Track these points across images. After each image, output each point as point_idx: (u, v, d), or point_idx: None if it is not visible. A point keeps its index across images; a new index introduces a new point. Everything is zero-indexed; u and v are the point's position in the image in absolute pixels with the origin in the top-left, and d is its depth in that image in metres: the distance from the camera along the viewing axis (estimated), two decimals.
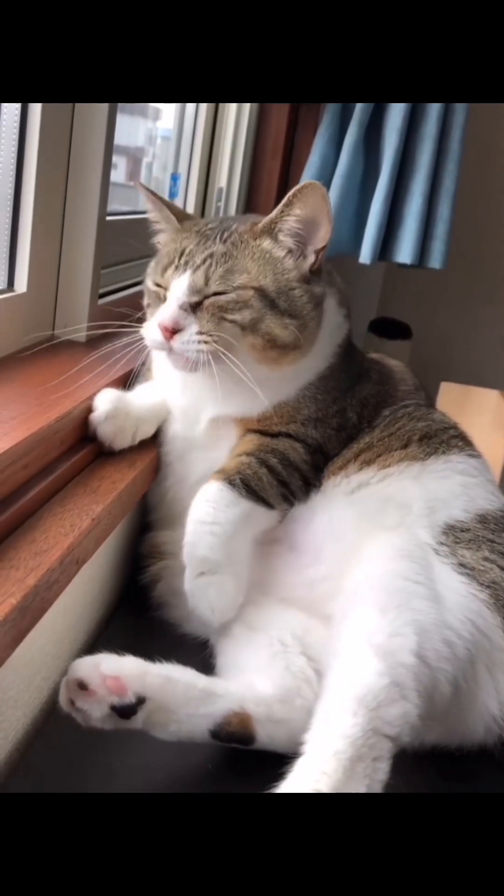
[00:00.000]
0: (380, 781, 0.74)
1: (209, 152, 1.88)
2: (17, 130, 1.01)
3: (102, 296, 1.22)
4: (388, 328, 2.73)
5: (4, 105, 0.99)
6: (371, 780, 0.74)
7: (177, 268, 0.96)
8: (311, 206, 0.95)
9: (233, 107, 1.91)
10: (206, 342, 0.92)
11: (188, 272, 0.95)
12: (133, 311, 1.03)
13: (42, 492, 0.82)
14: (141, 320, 1.01)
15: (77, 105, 1.07)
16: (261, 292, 0.95)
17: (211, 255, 0.95)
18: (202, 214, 1.90)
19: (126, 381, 1.04)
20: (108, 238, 1.15)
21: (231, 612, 0.96)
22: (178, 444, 1.05)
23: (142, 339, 0.97)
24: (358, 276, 2.51)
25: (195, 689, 0.83)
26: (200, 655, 0.98)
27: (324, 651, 0.93)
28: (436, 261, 1.87)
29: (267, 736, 0.86)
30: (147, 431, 1.03)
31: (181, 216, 1.05)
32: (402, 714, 0.78)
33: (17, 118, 1.01)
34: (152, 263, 1.03)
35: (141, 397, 1.03)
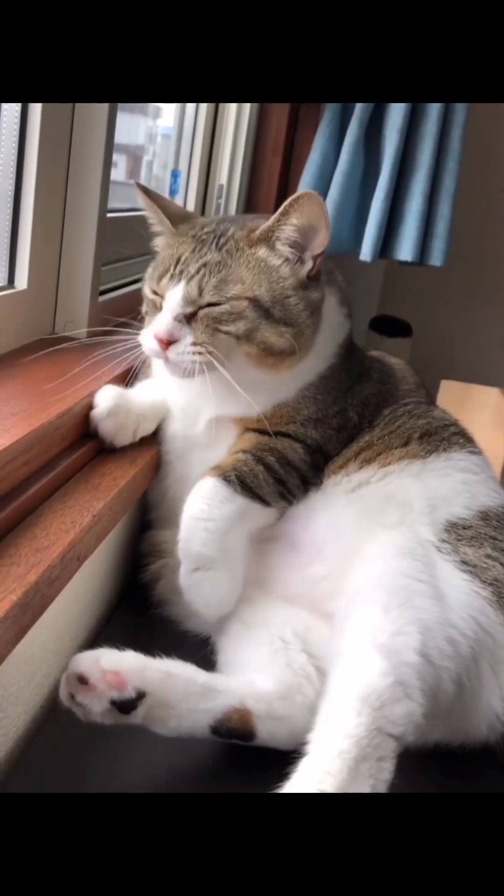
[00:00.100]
0: (384, 781, 0.74)
1: (209, 150, 1.88)
2: (17, 128, 1.01)
3: (103, 293, 1.22)
4: (389, 326, 2.73)
5: (5, 103, 0.99)
6: (376, 779, 0.74)
7: (172, 277, 0.96)
8: (308, 215, 0.94)
9: (233, 105, 1.91)
10: (200, 353, 0.93)
11: (182, 283, 0.95)
12: (133, 309, 1.03)
13: (43, 488, 0.82)
14: (142, 319, 1.01)
15: (77, 104, 1.07)
16: (255, 302, 0.94)
17: (205, 265, 0.95)
18: (202, 212, 1.90)
19: (127, 378, 1.04)
20: (108, 235, 1.15)
21: (226, 607, 0.96)
22: (177, 442, 1.04)
23: (139, 344, 0.97)
24: (358, 274, 2.51)
25: (195, 685, 0.83)
26: (201, 653, 0.98)
27: (325, 649, 0.93)
28: (436, 259, 1.87)
29: (267, 732, 0.86)
30: (148, 428, 1.03)
31: (176, 218, 1.04)
32: (406, 713, 0.78)
33: (18, 116, 1.01)
34: (150, 269, 1.03)
35: (142, 394, 1.03)
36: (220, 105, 1.87)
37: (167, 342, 0.93)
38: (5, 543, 0.73)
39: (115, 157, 1.15)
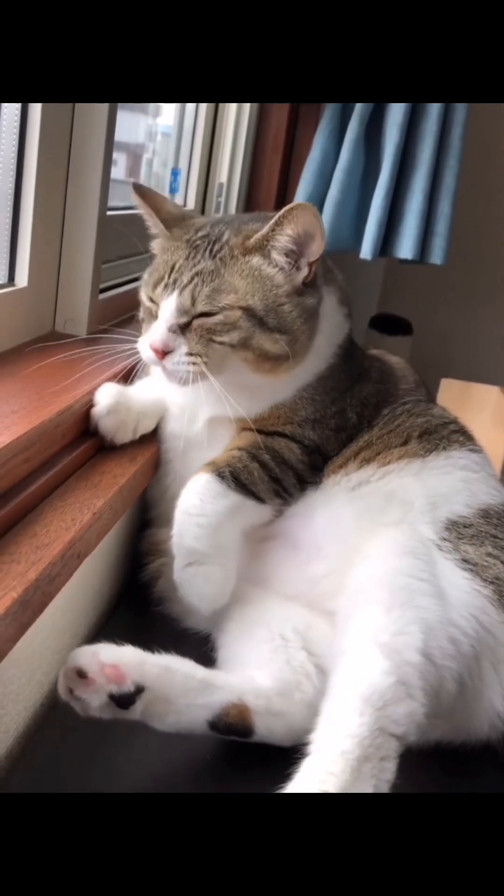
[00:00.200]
0: (387, 781, 0.74)
1: (210, 148, 1.88)
2: (17, 126, 1.01)
3: (103, 291, 1.22)
4: (389, 324, 2.72)
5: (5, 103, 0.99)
6: (378, 779, 0.74)
7: (166, 286, 0.96)
8: (303, 224, 0.94)
9: (233, 103, 1.91)
10: (194, 364, 0.93)
11: (176, 292, 0.94)
12: (133, 307, 1.03)
13: (43, 486, 0.82)
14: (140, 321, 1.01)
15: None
16: (249, 312, 0.94)
17: (198, 273, 0.94)
18: (202, 210, 1.90)
19: (127, 376, 1.04)
20: (108, 233, 1.15)
21: (219, 601, 0.96)
22: (176, 442, 1.04)
23: (137, 351, 0.97)
24: (359, 272, 2.51)
25: (194, 680, 0.84)
26: (201, 650, 0.98)
27: (325, 647, 0.93)
28: (436, 257, 1.87)
29: (266, 729, 0.86)
30: (148, 426, 1.03)
31: (171, 220, 1.03)
32: (408, 713, 0.78)
33: (18, 114, 1.01)
34: (146, 274, 1.02)
35: (142, 392, 1.03)
36: (221, 103, 1.87)
37: (162, 352, 0.93)
38: (5, 541, 0.73)
39: (115, 155, 1.15)
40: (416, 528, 0.96)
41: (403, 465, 1.03)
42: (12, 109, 1.00)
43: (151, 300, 0.98)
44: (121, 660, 0.80)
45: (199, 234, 0.99)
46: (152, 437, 1.05)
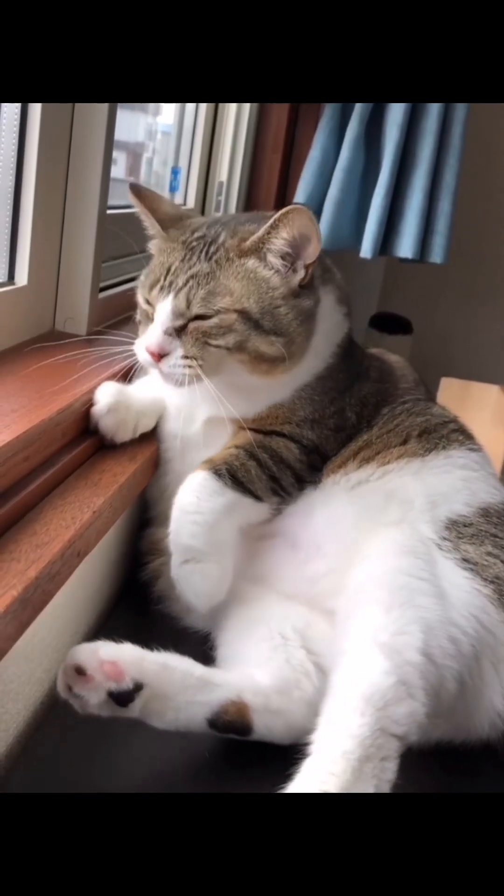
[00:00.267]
0: (388, 781, 0.74)
1: (210, 147, 1.88)
2: (17, 124, 1.01)
3: (103, 289, 1.22)
4: (389, 323, 2.73)
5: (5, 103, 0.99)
6: (379, 780, 0.74)
7: (162, 288, 0.95)
8: (299, 227, 0.93)
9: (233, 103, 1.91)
10: (190, 367, 0.93)
11: (171, 295, 0.94)
12: (132, 306, 1.03)
13: (43, 484, 0.82)
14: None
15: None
16: (244, 315, 0.93)
17: (194, 276, 0.94)
18: (203, 208, 1.90)
19: (127, 375, 1.04)
20: (108, 232, 1.15)
21: (216, 598, 0.96)
22: (174, 441, 1.04)
23: (134, 354, 0.97)
24: (359, 271, 2.51)
25: (192, 678, 0.84)
26: (201, 649, 0.98)
27: (325, 645, 0.93)
28: (437, 255, 1.87)
29: (264, 726, 0.86)
30: (147, 425, 1.03)
31: (168, 221, 1.03)
32: (409, 713, 0.78)
33: (18, 113, 1.01)
34: (142, 276, 1.02)
35: (141, 390, 1.03)
36: (221, 103, 1.87)
37: (158, 355, 0.93)
38: (5, 539, 0.73)
39: (115, 154, 1.15)
40: (416, 528, 0.96)
41: (403, 464, 1.03)
42: (12, 108, 1.00)
43: (148, 302, 0.98)
44: (120, 657, 0.80)
45: (196, 235, 0.99)
46: (152, 436, 1.05)
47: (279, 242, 0.94)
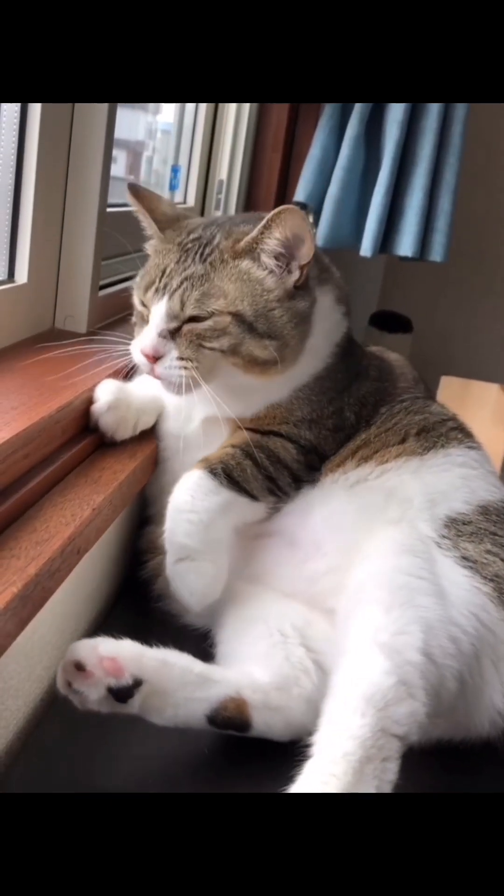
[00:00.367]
0: (389, 782, 0.74)
1: (210, 145, 1.88)
2: (17, 123, 1.01)
3: (102, 287, 1.22)
4: (389, 322, 2.73)
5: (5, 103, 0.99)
6: (380, 780, 0.74)
7: (157, 290, 0.95)
8: (292, 227, 0.93)
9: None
10: (186, 368, 0.93)
11: (165, 297, 0.94)
12: (132, 305, 1.04)
13: (43, 482, 0.82)
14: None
15: None
16: (238, 317, 0.93)
17: (188, 278, 0.94)
18: (202, 207, 1.90)
19: (126, 372, 1.04)
20: (107, 230, 1.15)
21: (210, 597, 0.96)
22: (172, 441, 1.04)
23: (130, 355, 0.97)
24: (359, 269, 2.51)
25: (191, 674, 0.84)
26: (200, 647, 0.98)
27: (324, 643, 0.94)
28: (437, 254, 1.87)
29: (263, 723, 0.86)
30: (147, 422, 1.04)
31: (165, 221, 1.03)
32: (410, 713, 0.78)
33: (18, 111, 1.01)
34: (138, 277, 1.02)
35: (141, 387, 1.03)
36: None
37: (153, 357, 0.93)
38: (5, 536, 0.73)
39: (115, 152, 1.15)
40: (415, 526, 0.96)
41: (401, 463, 1.02)
42: (12, 106, 1.00)
43: (143, 304, 0.98)
44: (119, 653, 0.80)
45: (191, 236, 0.98)
46: (152, 434, 1.05)
47: (272, 243, 0.94)
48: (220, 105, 1.88)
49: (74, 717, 0.80)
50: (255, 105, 1.93)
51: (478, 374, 2.09)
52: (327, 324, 1.04)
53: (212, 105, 1.86)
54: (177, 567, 0.95)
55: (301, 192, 1.81)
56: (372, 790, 0.73)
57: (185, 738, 0.85)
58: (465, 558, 0.93)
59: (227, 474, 0.96)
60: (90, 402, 0.97)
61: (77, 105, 1.07)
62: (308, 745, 0.76)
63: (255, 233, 0.94)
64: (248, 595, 1.01)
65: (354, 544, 0.96)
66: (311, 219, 1.79)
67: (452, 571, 0.92)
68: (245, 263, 0.95)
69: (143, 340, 0.94)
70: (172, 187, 1.80)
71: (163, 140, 1.89)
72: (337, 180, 1.75)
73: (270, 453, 1.00)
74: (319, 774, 0.73)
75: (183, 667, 0.84)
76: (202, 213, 1.90)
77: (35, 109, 1.01)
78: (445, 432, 1.08)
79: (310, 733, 0.78)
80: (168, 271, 0.95)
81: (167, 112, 1.86)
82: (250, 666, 0.90)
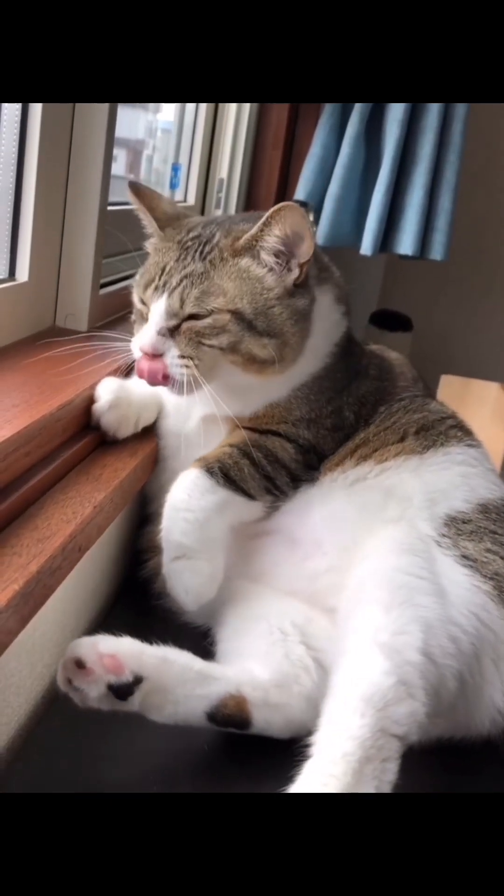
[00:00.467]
0: (388, 783, 0.74)
1: (210, 144, 1.88)
2: (18, 121, 1.01)
3: (103, 286, 1.22)
4: (389, 320, 2.73)
5: (5, 103, 0.99)
6: (380, 781, 0.74)
7: (156, 288, 0.95)
8: (291, 225, 0.93)
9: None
10: (187, 366, 0.93)
11: (165, 295, 0.94)
12: (132, 307, 1.04)
13: (44, 479, 0.82)
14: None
15: None
16: (237, 315, 0.93)
17: (188, 276, 0.94)
18: (203, 205, 1.90)
19: (127, 370, 1.04)
20: (108, 228, 1.16)
21: (206, 595, 0.96)
22: (171, 439, 1.05)
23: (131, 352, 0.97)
24: (359, 268, 2.51)
25: (192, 671, 0.84)
26: (201, 645, 0.98)
27: (325, 641, 0.94)
28: (437, 252, 1.87)
29: (263, 720, 0.86)
30: (149, 418, 1.04)
31: (165, 220, 1.03)
32: (409, 713, 0.78)
33: (19, 109, 1.01)
34: (138, 275, 1.02)
35: (141, 384, 1.03)
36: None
37: (152, 355, 0.93)
38: (7, 534, 0.73)
39: (115, 150, 1.15)
40: (414, 525, 0.96)
41: (401, 461, 1.02)
42: (13, 105, 1.00)
43: (142, 302, 0.98)
44: (119, 650, 0.81)
45: (191, 235, 0.98)
46: (152, 432, 1.05)
47: (272, 240, 0.94)
48: (221, 104, 1.88)
49: (76, 714, 0.80)
50: (255, 104, 1.93)
51: (478, 372, 2.09)
52: (326, 323, 1.04)
53: (212, 104, 1.86)
54: (173, 565, 0.95)
55: (301, 191, 1.81)
56: (371, 790, 0.73)
57: (185, 736, 0.85)
58: (464, 557, 0.93)
59: (224, 473, 0.96)
60: (91, 400, 0.97)
61: (78, 104, 1.07)
62: (308, 745, 0.76)
63: (254, 230, 0.94)
64: (249, 593, 1.01)
65: (354, 543, 0.96)
66: (311, 217, 1.80)
67: (452, 570, 0.92)
68: (245, 261, 0.95)
69: (143, 338, 0.94)
70: (173, 186, 1.80)
71: (163, 138, 1.90)
72: (337, 178, 1.76)
73: (268, 452, 1.00)
74: (319, 775, 0.73)
75: (183, 664, 0.84)
76: (202, 212, 1.90)
77: (36, 108, 1.01)
78: (445, 430, 1.08)
79: (310, 731, 0.78)
80: (168, 269, 0.95)
81: (167, 111, 1.86)
82: (250, 663, 0.91)
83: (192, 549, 0.94)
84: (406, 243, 1.83)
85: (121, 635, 0.83)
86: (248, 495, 0.98)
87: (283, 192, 1.99)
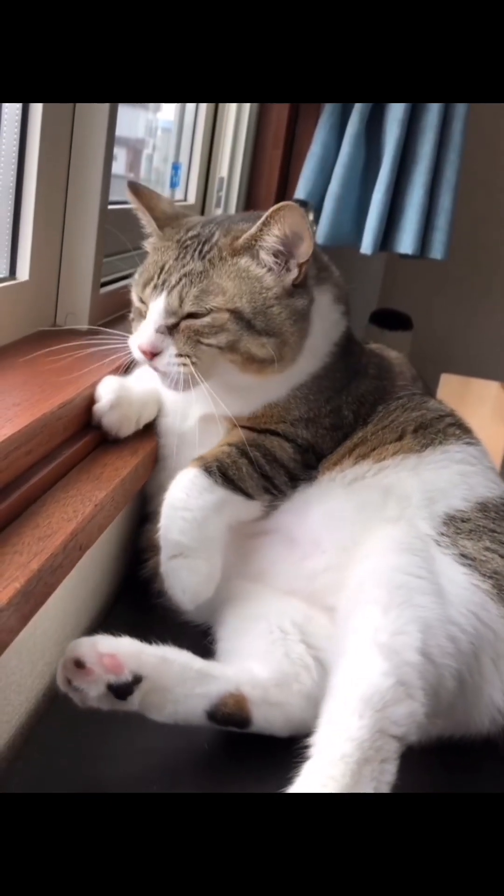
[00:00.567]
0: (387, 783, 0.75)
1: (210, 143, 1.88)
2: (19, 120, 1.01)
3: (104, 285, 1.22)
4: (389, 319, 2.73)
5: (6, 103, 0.99)
6: (378, 781, 0.74)
7: (155, 287, 0.95)
8: (290, 225, 0.93)
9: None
10: (184, 365, 0.93)
11: (164, 294, 0.94)
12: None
13: (45, 478, 0.83)
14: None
15: None
16: (236, 314, 0.93)
17: (187, 274, 0.94)
18: (203, 204, 1.90)
19: (127, 368, 1.04)
20: (108, 227, 1.16)
21: (203, 595, 0.96)
22: (170, 438, 1.05)
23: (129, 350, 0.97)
24: (359, 267, 2.51)
25: (191, 670, 0.84)
26: (201, 644, 0.98)
27: (324, 640, 0.94)
28: (437, 251, 1.87)
29: (263, 719, 0.86)
30: (150, 415, 1.04)
31: (164, 219, 1.03)
32: (408, 713, 0.78)
33: (20, 108, 1.01)
34: (136, 274, 1.02)
35: (141, 381, 1.03)
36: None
37: (151, 353, 0.93)
38: (8, 532, 0.74)
39: (116, 150, 1.15)
40: (413, 524, 0.96)
41: (399, 460, 1.02)
42: (13, 105, 1.01)
43: (141, 300, 0.98)
44: (118, 650, 0.81)
45: (190, 234, 0.98)
46: (153, 431, 1.05)
47: (271, 239, 0.94)
48: (221, 103, 1.88)
49: (76, 713, 0.81)
50: (255, 103, 1.93)
51: (478, 371, 2.09)
52: (326, 323, 1.04)
53: (212, 103, 1.86)
54: (170, 564, 0.95)
55: (301, 190, 1.81)
56: (370, 791, 0.73)
57: (185, 735, 0.86)
58: (463, 556, 0.93)
59: (222, 472, 0.96)
60: (92, 398, 0.97)
61: (78, 104, 1.08)
62: (307, 745, 0.77)
63: (254, 229, 0.94)
64: (248, 592, 1.01)
65: (353, 542, 0.96)
66: (311, 216, 1.80)
67: (451, 569, 0.92)
68: (244, 261, 0.95)
69: (141, 336, 0.94)
70: (173, 185, 1.80)
71: (163, 138, 1.90)
72: (337, 178, 1.76)
73: (266, 452, 1.00)
74: (317, 776, 0.73)
75: (182, 663, 0.84)
76: (203, 211, 1.90)
77: (36, 108, 1.01)
78: (443, 429, 1.07)
79: (310, 729, 0.78)
80: (167, 268, 0.96)
81: (168, 110, 1.86)
82: (250, 662, 0.91)
83: (190, 547, 0.94)
84: (406, 242, 1.83)
85: (120, 635, 0.83)
86: (247, 494, 0.98)
87: (284, 191, 1.99)
